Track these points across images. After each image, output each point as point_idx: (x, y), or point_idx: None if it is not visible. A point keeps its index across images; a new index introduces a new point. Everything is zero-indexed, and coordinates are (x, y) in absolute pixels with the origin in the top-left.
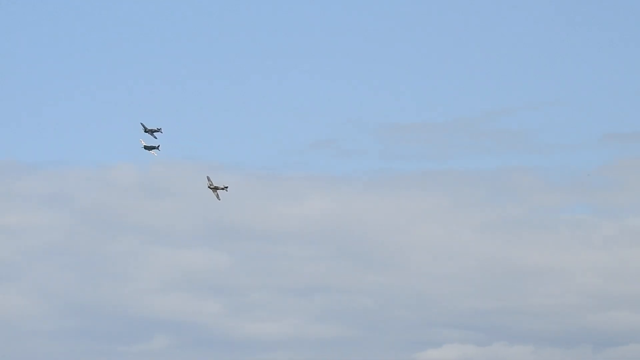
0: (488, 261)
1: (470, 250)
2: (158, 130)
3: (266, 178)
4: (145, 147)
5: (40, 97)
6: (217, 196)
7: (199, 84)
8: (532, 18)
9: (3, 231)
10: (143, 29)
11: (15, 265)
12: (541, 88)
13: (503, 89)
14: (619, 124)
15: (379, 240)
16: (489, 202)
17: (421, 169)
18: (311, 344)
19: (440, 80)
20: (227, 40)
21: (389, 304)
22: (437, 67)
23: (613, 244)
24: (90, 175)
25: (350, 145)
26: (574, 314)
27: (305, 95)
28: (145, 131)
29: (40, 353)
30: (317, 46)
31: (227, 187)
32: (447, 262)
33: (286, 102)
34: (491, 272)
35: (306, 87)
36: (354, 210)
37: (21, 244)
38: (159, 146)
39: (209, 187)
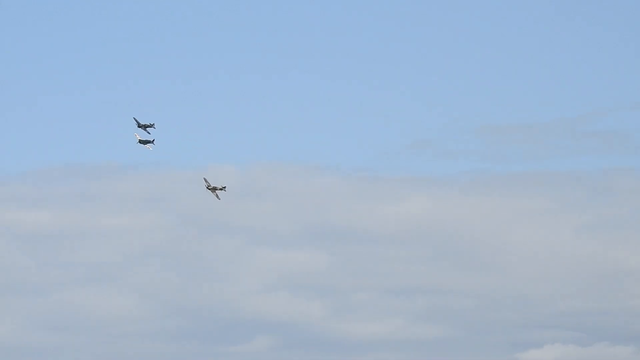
0: (588, 262)
1: (570, 251)
2: (151, 126)
3: (366, 179)
4: (140, 142)
5: (142, 99)
6: (217, 196)
7: (298, 85)
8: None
9: (104, 233)
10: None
11: (117, 266)
12: None
13: (603, 89)
14: None
15: (480, 241)
16: (589, 202)
17: (521, 170)
18: (412, 344)
19: (541, 81)
20: (329, 40)
21: (490, 305)
22: (538, 68)
23: None
24: (191, 177)
25: (450, 146)
26: None
27: (405, 96)
28: (139, 126)
29: (142, 354)
30: (420, 47)
31: (225, 187)
32: (547, 263)
33: (386, 103)
34: (592, 273)
35: (406, 88)
36: (454, 211)
37: (122, 246)
38: (153, 140)
39: (207, 188)
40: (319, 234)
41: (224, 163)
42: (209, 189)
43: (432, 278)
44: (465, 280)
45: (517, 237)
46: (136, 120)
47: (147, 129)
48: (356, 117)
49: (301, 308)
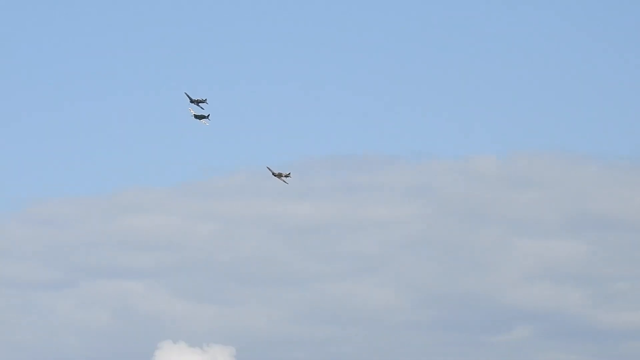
0: None
1: None
2: (204, 101)
3: (629, 168)
4: (195, 116)
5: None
6: (285, 181)
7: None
8: None
9: (367, 224)
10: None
11: (380, 257)
12: None
13: None
14: None
15: None
16: None
17: None
18: None
19: None
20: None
21: None
22: None
23: None
24: (452, 167)
25: None
26: None
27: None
28: (191, 101)
29: (403, 344)
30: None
31: (289, 174)
32: None
33: None
34: None
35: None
36: None
37: (385, 236)
38: (208, 115)
39: (273, 175)
40: (580, 223)
41: (485, 153)
42: (275, 175)
43: None
44: None
45: None
46: (188, 96)
47: (199, 104)
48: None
49: (561, 297)
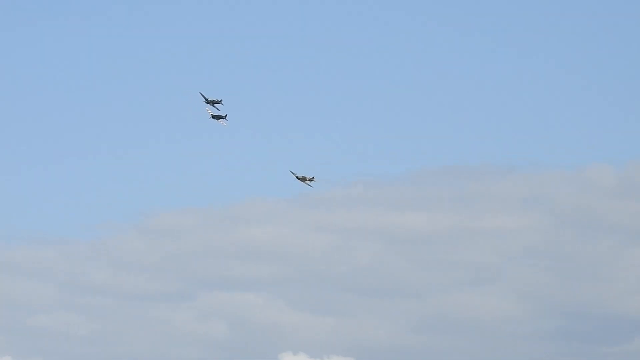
0: None
1: None
2: (219, 102)
3: None
4: (213, 117)
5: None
6: (309, 185)
7: None
8: None
9: (483, 234)
10: None
11: (495, 267)
12: None
13: None
14: None
15: None
16: None
17: None
18: None
19: None
20: None
21: None
22: None
23: None
24: (568, 177)
25: None
26: None
27: None
28: (207, 102)
29: (520, 354)
30: None
31: (313, 178)
32: None
33: None
34: None
35: None
36: None
37: (500, 246)
38: (226, 116)
39: (297, 178)
40: None
41: (601, 163)
42: (299, 179)
43: None
44: None
45: None
46: (203, 96)
47: (215, 105)
48: None
49: None
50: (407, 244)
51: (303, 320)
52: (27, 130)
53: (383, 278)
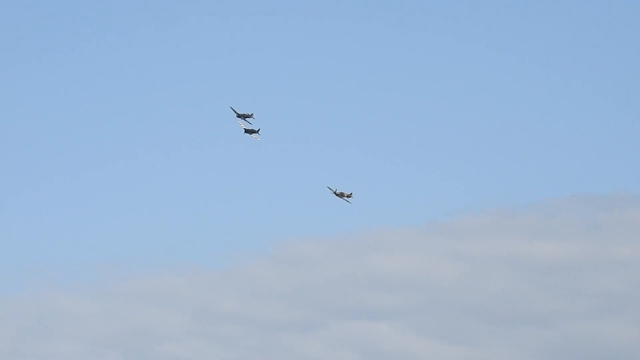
0: None
1: None
2: (250, 116)
3: None
4: (246, 131)
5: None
6: (347, 201)
7: None
8: None
9: (612, 263)
10: None
11: (625, 296)
12: None
13: None
14: None
15: None
16: None
17: None
18: None
19: None
20: None
21: None
22: None
23: None
24: None
25: None
26: None
27: None
28: (238, 116)
29: None
30: None
31: (351, 194)
32: None
33: None
34: None
35: None
36: None
37: (631, 276)
38: (259, 130)
39: (334, 194)
40: None
41: None
42: (337, 196)
43: None
44: None
45: None
46: (234, 110)
47: (246, 119)
48: None
49: None
50: (538, 272)
51: (433, 349)
52: (154, 159)
53: (514, 306)
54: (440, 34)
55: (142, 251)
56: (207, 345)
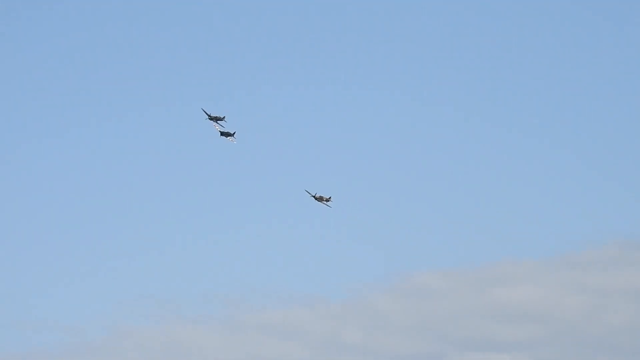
0: None
1: None
2: (222, 119)
3: None
4: (222, 134)
5: None
6: (327, 205)
7: None
8: None
9: None
10: None
11: None
12: None
13: None
14: None
15: None
16: None
17: None
18: None
19: None
20: None
21: None
22: None
23: None
24: None
25: None
26: None
27: None
28: (210, 118)
29: None
30: None
31: (330, 197)
32: None
33: None
34: None
35: None
36: None
37: None
38: (234, 133)
39: (314, 198)
40: None
41: None
42: (316, 198)
43: None
44: None
45: None
46: (205, 112)
47: (218, 121)
48: None
49: None
50: None
51: None
52: (276, 193)
53: (637, 340)
54: None
55: (266, 283)
56: None
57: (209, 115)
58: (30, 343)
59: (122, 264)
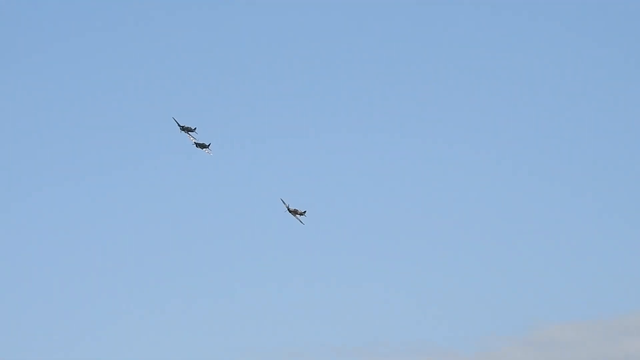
0: None
1: None
2: (193, 130)
3: None
4: (197, 145)
5: None
6: (300, 221)
7: None
8: None
9: None
10: None
11: None
12: None
13: None
14: None
15: None
16: None
17: None
18: None
19: None
20: None
21: None
22: None
23: None
24: None
25: None
26: None
27: None
28: (182, 129)
29: None
30: None
31: (305, 212)
32: None
33: None
34: None
35: None
36: None
37: None
38: (209, 145)
39: (288, 210)
40: None
41: None
42: (290, 211)
43: None
44: None
45: None
46: (176, 122)
47: (189, 132)
48: None
49: None
50: None
51: None
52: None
53: None
54: None
55: (393, 335)
56: None
57: (181, 127)
58: None
59: (246, 317)
